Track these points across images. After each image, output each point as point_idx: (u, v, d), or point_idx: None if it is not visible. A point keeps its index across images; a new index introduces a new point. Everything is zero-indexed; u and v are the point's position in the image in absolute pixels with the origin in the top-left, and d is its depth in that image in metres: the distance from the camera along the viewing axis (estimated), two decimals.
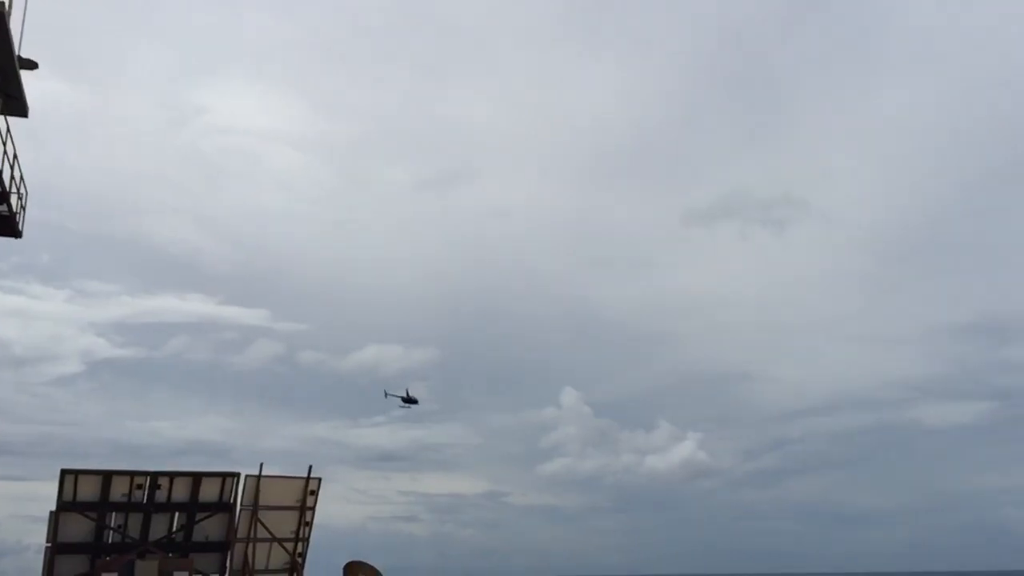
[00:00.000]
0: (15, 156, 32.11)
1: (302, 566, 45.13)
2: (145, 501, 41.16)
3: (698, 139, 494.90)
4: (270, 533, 43.97)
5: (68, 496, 40.00)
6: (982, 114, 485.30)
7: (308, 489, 44.93)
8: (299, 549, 45.06)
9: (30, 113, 31.52)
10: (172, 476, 41.82)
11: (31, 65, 30.45)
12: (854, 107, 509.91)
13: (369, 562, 46.44)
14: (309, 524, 45.10)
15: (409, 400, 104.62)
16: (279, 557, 44.68)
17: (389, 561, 50.39)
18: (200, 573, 42.45)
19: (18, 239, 34.04)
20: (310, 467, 45.38)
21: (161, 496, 41.42)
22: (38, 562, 41.17)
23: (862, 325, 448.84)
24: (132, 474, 41.06)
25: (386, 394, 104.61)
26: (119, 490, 40.62)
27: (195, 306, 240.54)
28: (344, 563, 46.20)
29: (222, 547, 43.38)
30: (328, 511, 49.89)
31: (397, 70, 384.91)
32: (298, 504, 44.72)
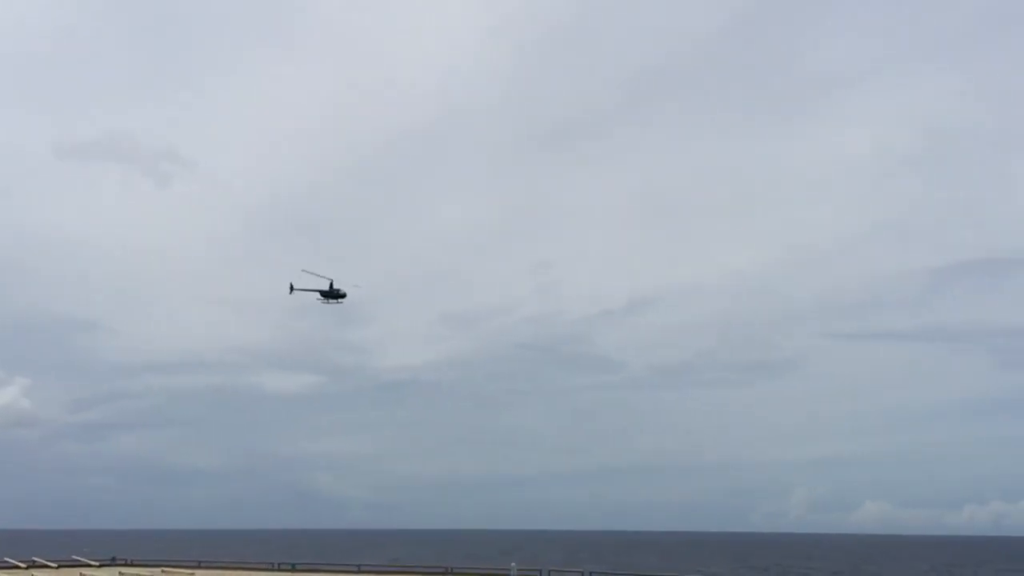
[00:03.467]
0: None
1: None
2: None
3: (90, 70, 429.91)
4: None
5: None
6: (366, 107, 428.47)
7: None
8: None
9: None
10: None
11: None
12: (264, 77, 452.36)
13: None
14: None
15: (333, 294, 68.92)
16: None
17: None
18: None
19: None
20: None
21: None
22: None
23: (221, 288, 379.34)
24: None
25: (292, 288, 68.04)
26: None
27: None
28: None
29: None
30: None
31: None
32: None
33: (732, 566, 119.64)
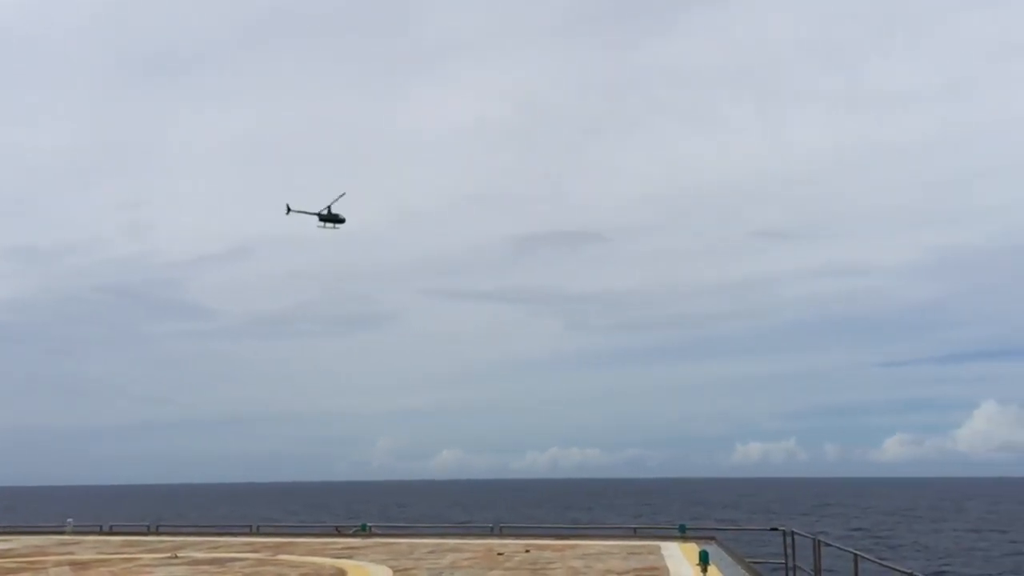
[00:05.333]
0: None
1: None
2: None
3: None
4: None
5: None
6: None
7: None
8: None
9: None
10: None
11: None
12: None
13: None
14: None
15: (331, 219, 69.55)
16: None
17: None
18: None
19: None
20: None
21: None
22: None
23: None
24: None
25: (288, 209, 69.54)
26: None
27: None
28: None
29: None
30: None
31: None
32: None
33: (312, 514, 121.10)
